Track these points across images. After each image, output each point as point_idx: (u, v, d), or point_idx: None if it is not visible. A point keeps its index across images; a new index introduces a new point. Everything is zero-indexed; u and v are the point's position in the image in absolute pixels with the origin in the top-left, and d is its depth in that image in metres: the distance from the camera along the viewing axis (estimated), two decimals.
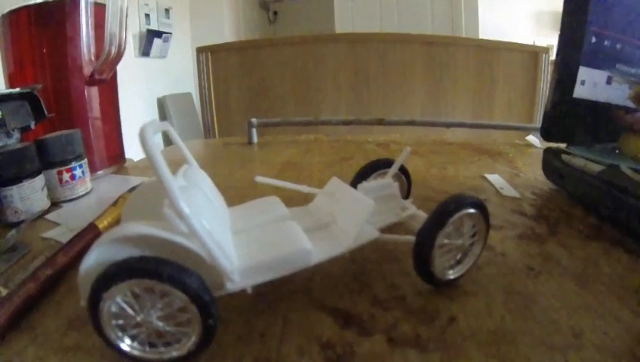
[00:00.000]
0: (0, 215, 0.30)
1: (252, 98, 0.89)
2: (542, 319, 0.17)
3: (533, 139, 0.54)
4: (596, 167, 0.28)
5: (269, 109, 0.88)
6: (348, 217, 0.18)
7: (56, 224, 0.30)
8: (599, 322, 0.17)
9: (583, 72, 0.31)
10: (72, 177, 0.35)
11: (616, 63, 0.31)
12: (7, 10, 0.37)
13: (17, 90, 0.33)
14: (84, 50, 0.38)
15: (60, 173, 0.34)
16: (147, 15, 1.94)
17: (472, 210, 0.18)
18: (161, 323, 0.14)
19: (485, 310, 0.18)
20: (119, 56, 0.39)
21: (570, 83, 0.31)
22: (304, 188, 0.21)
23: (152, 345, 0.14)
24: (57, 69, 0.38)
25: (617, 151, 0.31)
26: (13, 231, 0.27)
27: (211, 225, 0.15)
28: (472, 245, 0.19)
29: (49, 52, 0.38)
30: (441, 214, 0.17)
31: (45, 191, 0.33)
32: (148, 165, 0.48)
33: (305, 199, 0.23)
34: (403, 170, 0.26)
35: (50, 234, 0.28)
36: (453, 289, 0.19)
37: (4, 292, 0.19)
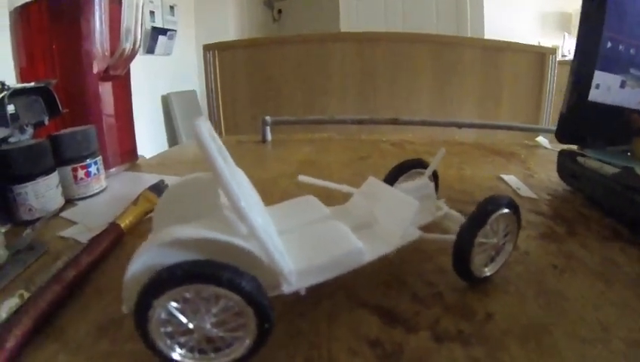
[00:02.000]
0: (14, 213, 0.29)
1: (258, 96, 0.89)
2: (571, 314, 0.18)
3: (542, 140, 0.54)
4: (611, 170, 0.29)
5: (275, 107, 0.87)
6: (392, 217, 0.19)
7: (72, 222, 0.29)
8: (623, 317, 0.17)
9: (598, 76, 0.32)
10: (87, 174, 0.34)
11: (630, 68, 0.32)
12: (20, 3, 0.36)
13: (32, 84, 0.33)
14: (98, 45, 0.38)
15: (74, 170, 0.33)
16: (152, 12, 1.92)
17: (506, 210, 0.19)
18: (215, 329, 0.14)
19: (518, 305, 0.18)
20: (134, 52, 0.39)
21: (586, 87, 0.32)
22: (344, 188, 0.21)
23: (200, 351, 0.14)
24: (70, 65, 0.37)
25: (629, 154, 0.32)
26: (29, 230, 0.27)
27: (264, 226, 0.15)
28: (505, 244, 0.20)
29: (61, 47, 0.37)
30: (481, 214, 0.18)
31: (60, 188, 0.32)
32: (160, 162, 0.47)
33: (332, 198, 0.22)
34: (433, 171, 0.26)
35: (68, 233, 0.27)
36: (487, 286, 0.20)
37: (27, 295, 0.18)
